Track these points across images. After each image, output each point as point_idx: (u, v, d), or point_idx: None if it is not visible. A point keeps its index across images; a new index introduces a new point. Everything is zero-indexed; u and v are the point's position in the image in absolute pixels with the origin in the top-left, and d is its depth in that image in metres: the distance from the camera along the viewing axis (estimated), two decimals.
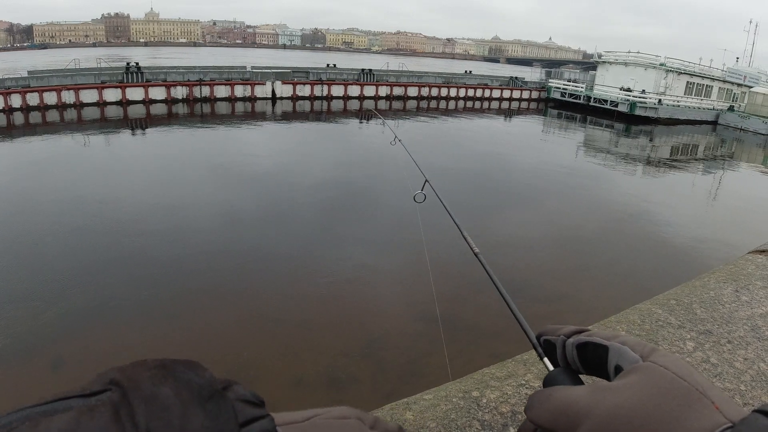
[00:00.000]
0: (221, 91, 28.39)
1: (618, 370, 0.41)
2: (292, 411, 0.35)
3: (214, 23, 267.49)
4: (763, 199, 18.11)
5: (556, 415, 0.39)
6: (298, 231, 10.45)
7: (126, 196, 12.16)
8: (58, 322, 6.71)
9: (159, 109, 25.56)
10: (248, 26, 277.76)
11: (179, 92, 27.09)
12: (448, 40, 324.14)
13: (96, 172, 14.45)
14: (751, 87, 44.10)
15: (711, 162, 25.46)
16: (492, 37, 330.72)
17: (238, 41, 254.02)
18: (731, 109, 41.18)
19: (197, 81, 27.62)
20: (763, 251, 2.65)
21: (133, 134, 21.12)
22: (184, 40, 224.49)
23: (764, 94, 41.21)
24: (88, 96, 24.55)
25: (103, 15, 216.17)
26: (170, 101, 26.63)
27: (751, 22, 58.12)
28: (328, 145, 20.87)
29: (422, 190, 1.22)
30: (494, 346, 6.14)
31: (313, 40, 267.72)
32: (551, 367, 0.48)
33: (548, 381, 0.46)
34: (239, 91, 28.94)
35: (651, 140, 30.65)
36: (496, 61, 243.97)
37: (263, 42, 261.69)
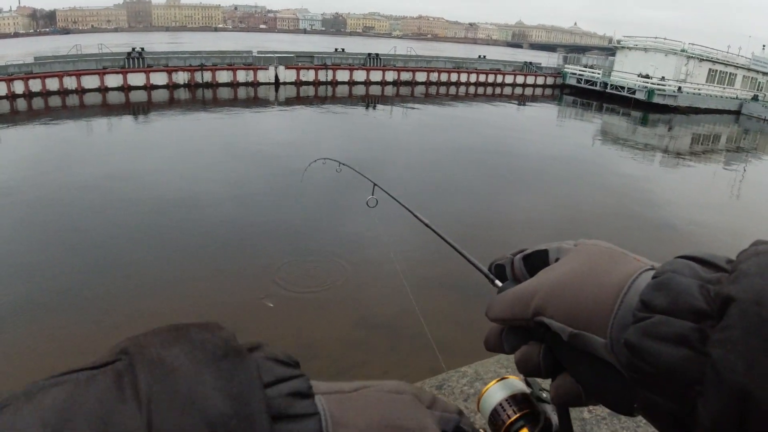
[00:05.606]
0: (223, 77, 27.99)
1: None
2: (339, 381, 0.32)
3: (236, 8, 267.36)
4: None
5: (513, 304, 0.43)
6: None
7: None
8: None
9: (160, 95, 25.36)
10: (269, 11, 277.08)
11: (180, 78, 26.81)
12: (470, 24, 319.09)
13: (96, 160, 14.35)
14: None
15: (733, 154, 24.30)
16: (516, 21, 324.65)
17: (261, 26, 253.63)
18: (755, 98, 39.30)
19: (199, 66, 27.31)
20: None
21: (135, 120, 21.13)
22: (200, 26, 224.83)
23: None
24: (90, 82, 24.43)
25: (125, 0, 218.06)
26: (172, 86, 26.38)
27: None
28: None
29: (372, 194, 1.06)
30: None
31: (334, 25, 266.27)
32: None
33: (499, 292, 0.49)
34: (242, 76, 28.49)
35: (670, 129, 29.41)
36: (519, 46, 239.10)
37: (284, 27, 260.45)
